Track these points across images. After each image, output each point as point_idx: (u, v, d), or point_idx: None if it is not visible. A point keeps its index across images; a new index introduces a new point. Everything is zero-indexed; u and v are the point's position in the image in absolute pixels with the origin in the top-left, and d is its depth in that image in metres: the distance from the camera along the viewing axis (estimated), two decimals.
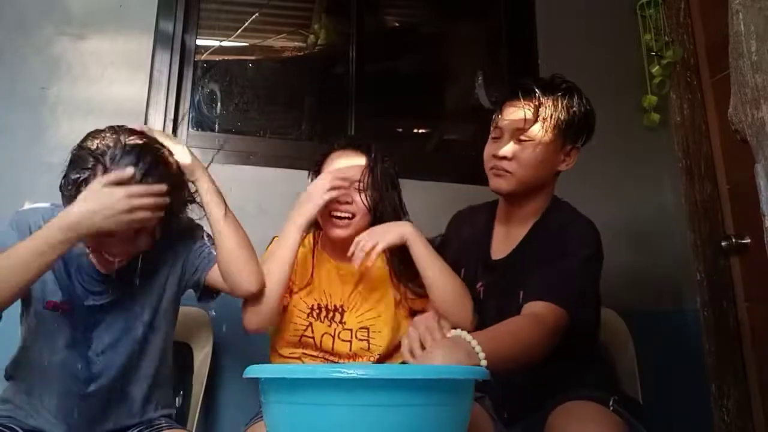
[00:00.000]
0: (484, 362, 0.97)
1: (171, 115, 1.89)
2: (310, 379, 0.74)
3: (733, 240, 2.03)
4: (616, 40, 2.28)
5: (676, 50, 2.20)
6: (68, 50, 1.84)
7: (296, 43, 2.37)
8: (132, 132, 1.21)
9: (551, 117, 1.32)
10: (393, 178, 1.51)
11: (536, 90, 1.33)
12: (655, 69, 2.19)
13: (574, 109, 1.35)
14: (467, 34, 2.50)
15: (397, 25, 2.55)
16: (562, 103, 1.34)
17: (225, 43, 2.22)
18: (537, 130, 1.31)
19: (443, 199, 2.00)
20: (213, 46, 2.19)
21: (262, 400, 0.81)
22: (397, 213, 1.49)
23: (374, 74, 2.19)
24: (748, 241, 2.00)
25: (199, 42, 2.07)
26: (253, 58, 2.30)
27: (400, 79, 2.35)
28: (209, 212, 1.29)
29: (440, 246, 1.50)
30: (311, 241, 1.51)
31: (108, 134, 1.19)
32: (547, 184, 1.39)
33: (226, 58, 2.23)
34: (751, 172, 0.92)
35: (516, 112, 1.34)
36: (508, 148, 1.34)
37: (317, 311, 1.43)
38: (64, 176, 1.20)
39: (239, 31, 2.23)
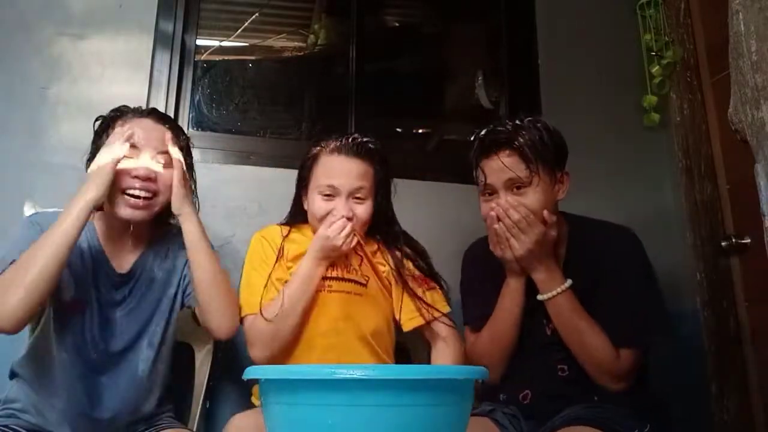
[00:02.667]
0: (552, 293, 1.26)
1: (171, 115, 1.89)
2: (310, 380, 0.74)
3: (733, 240, 2.03)
4: (616, 40, 2.28)
5: (676, 50, 2.20)
6: (68, 50, 1.84)
7: (296, 43, 2.37)
8: None
9: (534, 154, 1.29)
10: (389, 183, 1.51)
11: (512, 138, 1.31)
12: (655, 69, 2.19)
13: (547, 137, 1.33)
14: (467, 34, 2.49)
15: (397, 25, 2.55)
16: (536, 138, 1.31)
17: (225, 43, 2.22)
18: (529, 174, 1.29)
19: (443, 199, 2.01)
20: (213, 46, 2.19)
21: (262, 401, 0.81)
22: (390, 220, 1.51)
23: (374, 74, 2.19)
24: (748, 241, 2.00)
25: (199, 42, 2.07)
26: (253, 58, 2.30)
27: (400, 79, 2.35)
28: (192, 256, 1.30)
29: (466, 289, 1.50)
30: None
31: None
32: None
33: (226, 58, 2.23)
34: (751, 172, 0.92)
35: (500, 165, 1.31)
36: (513, 203, 1.30)
37: None
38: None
39: (239, 31, 2.23)
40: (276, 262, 1.42)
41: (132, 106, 1.37)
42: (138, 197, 1.27)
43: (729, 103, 0.99)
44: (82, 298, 1.26)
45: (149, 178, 1.28)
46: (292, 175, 1.90)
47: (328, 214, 1.38)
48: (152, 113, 1.37)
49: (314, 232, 1.41)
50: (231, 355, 1.68)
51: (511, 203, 1.28)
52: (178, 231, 1.32)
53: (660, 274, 2.11)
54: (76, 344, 1.25)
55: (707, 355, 2.04)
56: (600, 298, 1.29)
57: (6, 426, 1.20)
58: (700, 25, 2.24)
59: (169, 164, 1.31)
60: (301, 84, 2.29)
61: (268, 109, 2.23)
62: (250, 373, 0.80)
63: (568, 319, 1.28)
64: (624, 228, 1.39)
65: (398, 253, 1.47)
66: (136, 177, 1.27)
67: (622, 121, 2.22)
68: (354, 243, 1.36)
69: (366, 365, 1.12)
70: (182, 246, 1.33)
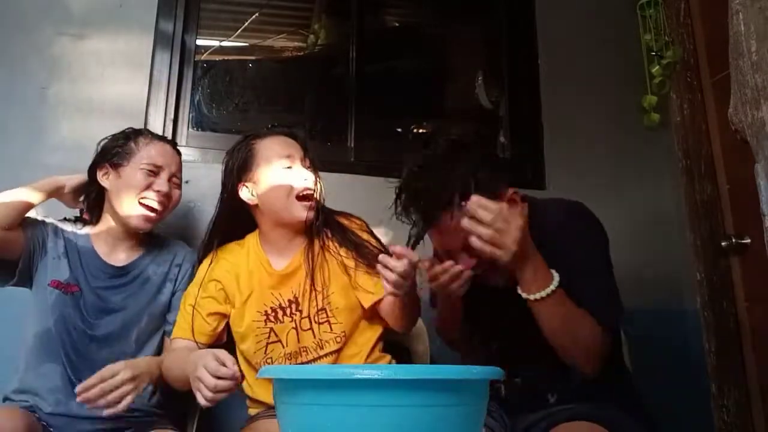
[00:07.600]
0: (543, 293, 1.10)
1: (171, 115, 1.89)
2: (327, 380, 0.73)
3: (733, 240, 2.03)
4: (616, 40, 2.28)
5: (676, 50, 2.20)
6: (68, 50, 1.84)
7: (296, 43, 2.37)
8: None
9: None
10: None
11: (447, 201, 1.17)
12: (655, 69, 2.19)
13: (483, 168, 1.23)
14: (467, 34, 2.49)
15: (397, 25, 2.55)
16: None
17: (225, 43, 2.22)
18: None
19: None
20: (213, 46, 2.19)
21: (276, 402, 0.80)
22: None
23: (374, 74, 2.19)
24: (748, 241, 2.00)
25: (199, 42, 2.07)
26: (253, 58, 2.30)
27: (400, 79, 2.34)
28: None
29: None
30: (249, 249, 1.48)
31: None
32: None
33: (226, 58, 2.23)
34: (751, 172, 0.92)
35: (450, 229, 1.19)
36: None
37: (273, 314, 1.41)
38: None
39: (239, 31, 2.23)
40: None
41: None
42: (154, 210, 1.40)
43: (729, 103, 0.99)
44: (76, 282, 1.38)
45: (167, 195, 1.42)
46: None
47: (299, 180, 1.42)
48: (171, 142, 1.53)
49: (277, 211, 1.43)
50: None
51: (477, 203, 1.09)
52: (172, 242, 1.51)
53: (660, 275, 2.13)
54: (65, 322, 1.34)
55: (707, 355, 2.04)
56: (568, 280, 1.16)
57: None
58: (700, 25, 2.24)
59: (177, 186, 1.47)
60: (301, 84, 2.29)
61: (268, 109, 2.23)
62: (265, 373, 0.80)
63: (559, 316, 1.14)
64: (572, 203, 1.30)
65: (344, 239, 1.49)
66: (158, 191, 1.40)
67: (622, 121, 2.22)
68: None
69: (384, 366, 1.07)
70: (179, 256, 1.48)
